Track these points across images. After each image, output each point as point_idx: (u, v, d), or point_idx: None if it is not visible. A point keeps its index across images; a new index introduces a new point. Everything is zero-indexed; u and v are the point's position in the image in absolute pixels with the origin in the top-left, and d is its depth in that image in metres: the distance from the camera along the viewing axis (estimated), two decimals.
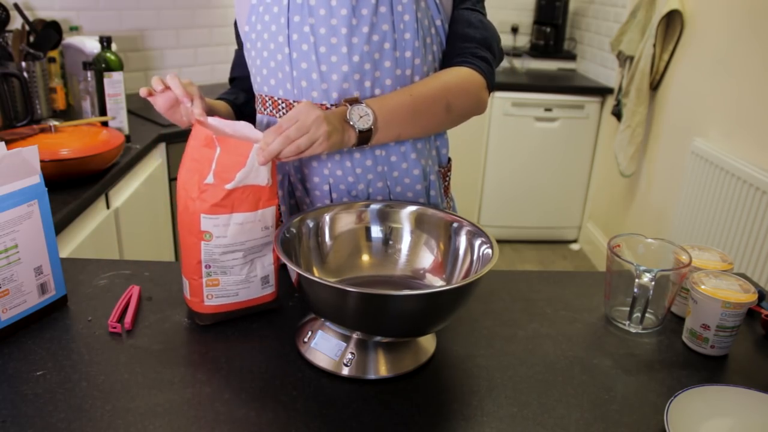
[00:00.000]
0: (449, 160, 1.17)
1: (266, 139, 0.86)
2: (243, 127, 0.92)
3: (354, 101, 0.93)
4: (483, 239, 0.89)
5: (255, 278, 0.93)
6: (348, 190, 1.05)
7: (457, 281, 0.91)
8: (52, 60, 2.17)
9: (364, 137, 0.93)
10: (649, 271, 0.93)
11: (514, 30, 3.70)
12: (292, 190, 1.10)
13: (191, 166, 0.87)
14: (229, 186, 0.86)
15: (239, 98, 1.17)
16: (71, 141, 1.60)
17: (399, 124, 0.97)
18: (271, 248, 0.93)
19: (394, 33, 0.98)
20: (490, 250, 0.86)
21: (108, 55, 1.92)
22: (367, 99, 0.96)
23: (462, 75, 1.02)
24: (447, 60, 1.06)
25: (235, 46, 1.19)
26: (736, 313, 0.89)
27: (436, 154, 1.13)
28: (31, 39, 2.06)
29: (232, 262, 0.90)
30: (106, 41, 1.93)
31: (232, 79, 1.22)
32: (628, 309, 0.98)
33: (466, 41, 1.04)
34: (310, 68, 0.98)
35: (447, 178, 1.17)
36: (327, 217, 0.97)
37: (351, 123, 0.92)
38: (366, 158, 1.04)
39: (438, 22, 1.03)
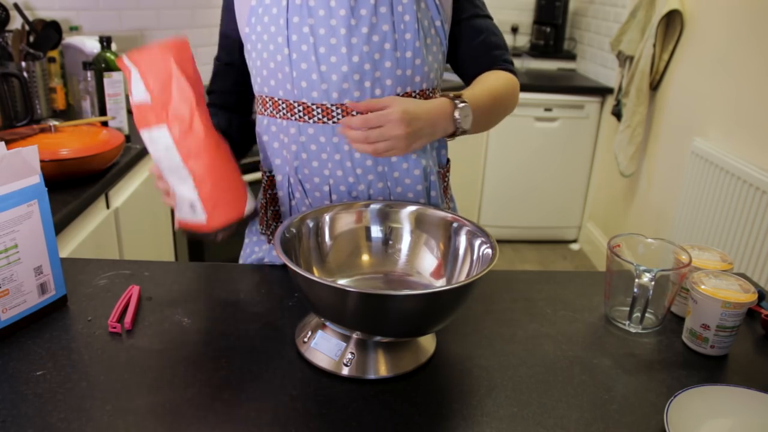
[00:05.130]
0: (448, 160, 1.18)
1: (351, 122, 0.90)
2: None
3: (458, 97, 0.97)
4: (483, 239, 0.89)
5: (183, 200, 0.94)
6: (348, 190, 1.05)
7: (457, 281, 0.91)
8: (52, 60, 2.17)
9: (461, 134, 0.99)
10: (649, 271, 0.93)
11: (514, 30, 3.70)
12: (292, 191, 1.10)
13: None
14: (132, 101, 0.90)
15: (221, 123, 1.14)
16: (71, 141, 1.60)
17: (479, 124, 1.03)
18: (188, 175, 0.92)
19: (395, 33, 0.98)
20: (490, 250, 0.86)
21: (108, 55, 1.92)
22: (464, 93, 0.99)
23: (509, 79, 1.11)
24: (482, 69, 1.12)
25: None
26: (736, 313, 0.89)
27: (436, 154, 1.13)
28: (31, 39, 2.06)
29: (168, 179, 0.93)
30: (106, 41, 1.93)
31: (210, 92, 1.19)
32: (628, 309, 0.98)
33: (496, 49, 1.12)
34: (309, 69, 0.98)
35: (446, 179, 1.17)
36: (327, 217, 0.97)
37: (457, 120, 0.96)
38: (366, 158, 1.04)
39: (438, 23, 1.03)
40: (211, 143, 0.92)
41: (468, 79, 1.13)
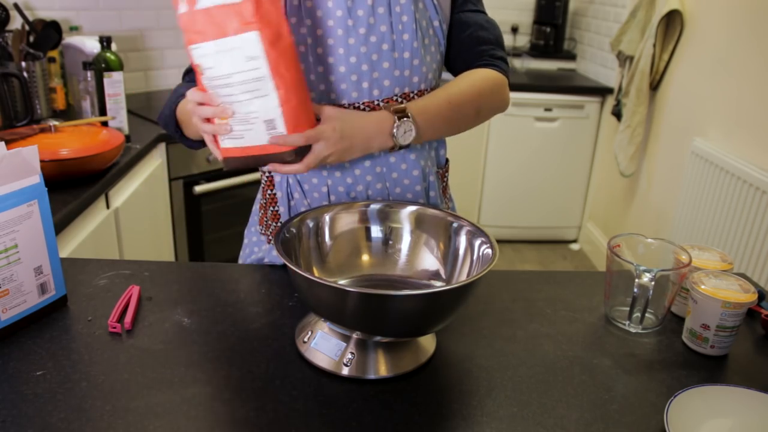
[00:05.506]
0: (447, 161, 1.17)
1: (287, 141, 0.85)
2: None
3: (401, 113, 0.93)
4: (483, 239, 0.89)
5: (256, 119, 0.84)
6: (347, 191, 1.05)
7: (457, 281, 0.91)
8: (52, 60, 2.17)
9: (402, 148, 0.96)
10: (649, 271, 0.93)
11: (514, 30, 3.69)
12: (291, 192, 1.10)
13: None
14: (197, 7, 0.79)
15: None
16: (71, 141, 1.60)
17: (434, 131, 1.00)
18: (272, 87, 0.82)
19: (393, 34, 0.98)
20: (490, 250, 0.86)
21: (108, 55, 1.92)
22: (410, 106, 0.95)
23: (490, 78, 1.05)
24: (468, 65, 1.08)
25: None
26: (736, 313, 0.89)
27: (435, 155, 1.13)
28: (31, 39, 2.06)
29: (229, 98, 0.83)
30: (106, 41, 1.93)
31: (188, 71, 1.12)
32: (628, 309, 0.98)
33: (483, 44, 1.07)
34: (307, 70, 0.98)
35: (445, 179, 1.17)
36: (327, 217, 0.97)
37: (394, 137, 0.94)
38: (364, 159, 1.04)
39: (436, 23, 1.03)
40: (296, 52, 0.84)
41: (456, 74, 1.10)
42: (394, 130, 0.93)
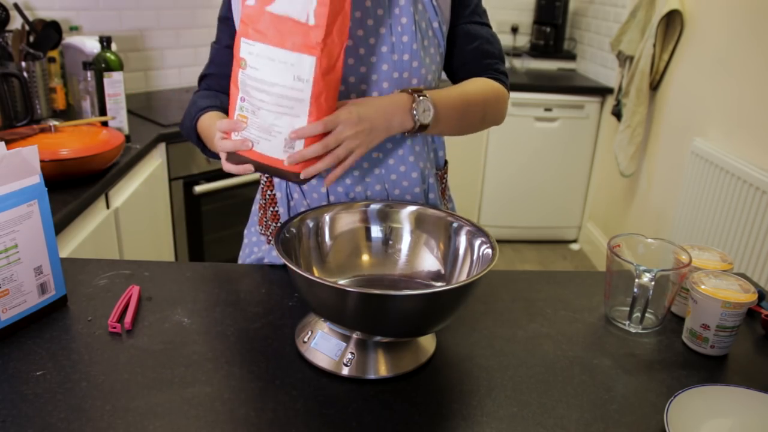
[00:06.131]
0: (446, 162, 1.17)
1: (303, 132, 0.84)
2: None
3: (418, 92, 0.93)
4: (483, 239, 0.89)
5: (279, 134, 0.84)
6: (346, 192, 1.05)
7: (457, 281, 0.91)
8: (52, 60, 2.17)
9: (421, 130, 0.95)
10: (649, 271, 0.93)
11: (514, 30, 3.69)
12: (290, 192, 1.10)
13: None
14: (268, 8, 0.78)
15: (224, 102, 1.11)
16: (71, 141, 1.60)
17: (447, 123, 0.99)
18: (306, 112, 0.83)
19: (392, 36, 0.98)
20: (490, 250, 0.86)
21: (108, 55, 1.92)
22: (427, 91, 0.96)
23: (495, 88, 1.07)
24: (471, 76, 1.09)
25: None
26: (736, 313, 0.89)
27: (434, 156, 1.13)
28: (31, 39, 2.06)
29: (259, 103, 0.83)
30: (106, 41, 1.93)
31: (204, 76, 1.13)
32: (628, 309, 0.98)
33: (488, 57, 1.09)
34: None
35: (444, 181, 1.17)
36: (327, 217, 0.97)
37: (414, 115, 0.93)
38: (363, 160, 1.03)
39: (435, 24, 1.03)
40: (338, 85, 0.86)
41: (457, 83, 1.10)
42: (414, 107, 0.92)
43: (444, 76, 1.13)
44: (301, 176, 0.87)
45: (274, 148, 0.86)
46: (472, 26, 1.08)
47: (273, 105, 0.83)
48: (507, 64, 3.54)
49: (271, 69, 0.81)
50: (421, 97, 0.93)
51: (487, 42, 1.09)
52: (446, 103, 0.97)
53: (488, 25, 1.11)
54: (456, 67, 1.10)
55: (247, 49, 0.82)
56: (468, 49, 1.08)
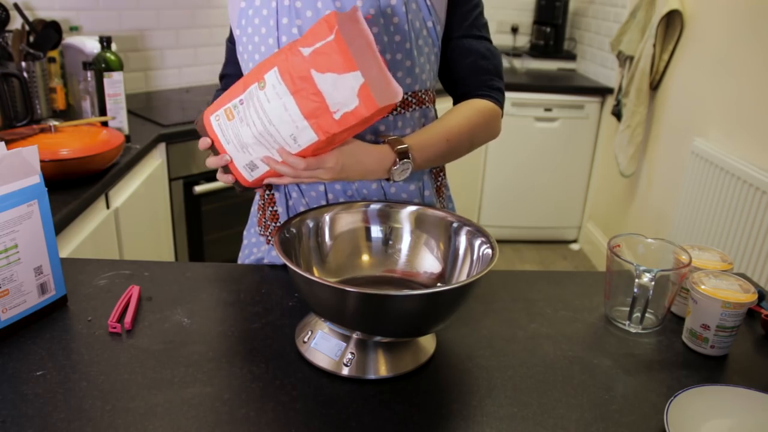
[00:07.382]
0: None
1: (295, 163, 0.88)
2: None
3: (403, 155, 0.95)
4: (483, 239, 0.89)
5: (249, 154, 0.90)
6: (344, 189, 1.05)
7: (457, 281, 0.91)
8: (52, 60, 2.17)
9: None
10: (649, 271, 0.93)
11: (514, 30, 3.70)
12: (289, 191, 1.10)
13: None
14: (314, 73, 0.80)
15: None
16: (71, 141, 1.60)
17: (427, 164, 1.02)
18: (282, 157, 0.87)
19: (384, 36, 0.97)
20: (490, 250, 0.86)
21: (108, 55, 1.92)
22: (411, 145, 0.97)
23: (486, 110, 1.07)
24: (466, 91, 1.09)
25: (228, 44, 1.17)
26: (736, 313, 0.89)
27: None
28: (31, 39, 2.06)
29: (251, 121, 0.86)
30: (106, 41, 1.93)
31: (223, 76, 1.17)
32: (628, 309, 0.98)
33: (483, 74, 1.09)
34: None
35: (439, 178, 1.17)
36: (327, 217, 0.97)
37: (391, 175, 0.96)
38: None
39: (429, 24, 1.02)
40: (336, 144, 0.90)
41: (455, 98, 1.12)
42: (393, 168, 0.95)
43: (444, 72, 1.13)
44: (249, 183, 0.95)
45: (239, 160, 0.92)
46: (468, 41, 1.07)
47: (260, 134, 0.87)
48: (507, 64, 3.56)
49: (279, 112, 0.84)
50: (404, 160, 0.95)
51: (482, 58, 1.08)
52: (428, 153, 1.00)
53: (487, 39, 1.10)
54: (452, 82, 1.11)
55: (273, 80, 0.83)
56: (463, 65, 1.08)
